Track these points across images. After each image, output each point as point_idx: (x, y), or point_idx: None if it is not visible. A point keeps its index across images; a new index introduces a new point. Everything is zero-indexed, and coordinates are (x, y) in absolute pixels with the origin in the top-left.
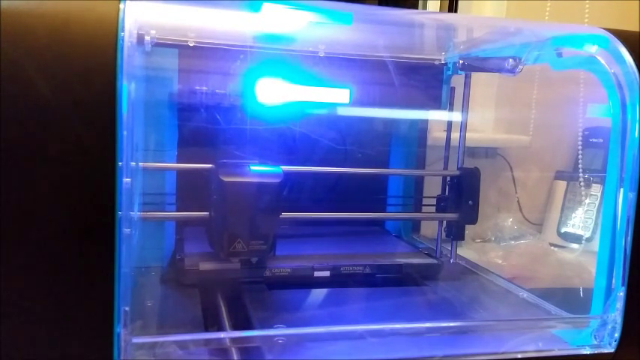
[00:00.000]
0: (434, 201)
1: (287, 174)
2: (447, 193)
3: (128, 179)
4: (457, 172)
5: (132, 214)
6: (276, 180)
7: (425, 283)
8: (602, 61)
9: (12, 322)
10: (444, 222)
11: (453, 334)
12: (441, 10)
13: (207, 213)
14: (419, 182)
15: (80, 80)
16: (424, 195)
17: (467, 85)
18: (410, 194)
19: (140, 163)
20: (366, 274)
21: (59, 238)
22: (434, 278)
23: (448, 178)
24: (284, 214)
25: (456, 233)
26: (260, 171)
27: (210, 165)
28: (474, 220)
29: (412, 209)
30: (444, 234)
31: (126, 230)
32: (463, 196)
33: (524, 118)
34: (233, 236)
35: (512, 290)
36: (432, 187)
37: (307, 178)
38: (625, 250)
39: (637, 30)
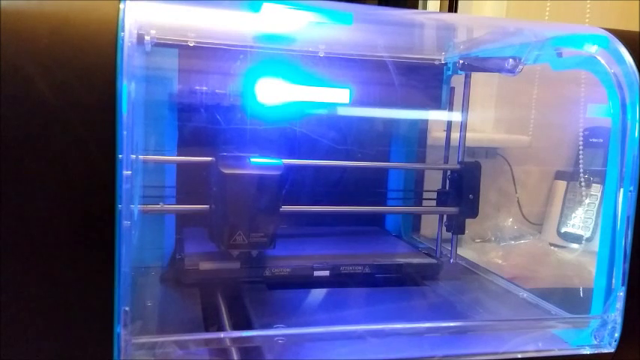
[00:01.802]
0: (434, 199)
1: (288, 170)
2: (447, 187)
3: (128, 171)
4: (458, 166)
5: (132, 207)
6: (277, 172)
7: (425, 283)
8: (602, 61)
9: (11, 322)
10: (445, 217)
11: (453, 334)
12: (441, 10)
13: (208, 206)
14: (419, 180)
15: (80, 80)
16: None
17: (467, 85)
18: (410, 196)
19: (140, 156)
20: (366, 274)
21: (59, 237)
22: (434, 278)
23: (449, 173)
24: (284, 208)
25: (456, 227)
26: (260, 163)
27: (211, 158)
28: (474, 213)
29: (412, 207)
30: (444, 229)
31: (126, 223)
32: (464, 189)
33: (524, 118)
34: (233, 228)
35: (512, 290)
36: (433, 186)
37: (309, 176)
38: (625, 250)
39: (637, 30)
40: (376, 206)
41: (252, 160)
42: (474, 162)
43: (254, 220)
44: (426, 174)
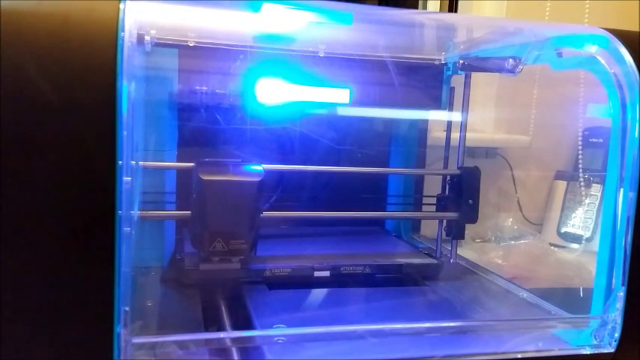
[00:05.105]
0: (434, 201)
1: (283, 173)
2: (447, 192)
3: (128, 178)
4: (457, 172)
5: (132, 212)
6: (257, 179)
7: (425, 283)
8: (602, 61)
9: (11, 322)
10: (444, 221)
11: (453, 334)
12: (441, 10)
13: (189, 212)
14: (419, 182)
15: (80, 80)
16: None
17: (467, 85)
18: (410, 194)
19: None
20: (366, 274)
21: (59, 237)
22: (434, 278)
23: (448, 178)
24: (266, 213)
25: (456, 232)
26: (240, 170)
27: (191, 164)
28: (474, 219)
29: (412, 209)
30: (444, 233)
31: (126, 229)
32: (463, 195)
33: (524, 118)
34: (213, 235)
35: (512, 290)
36: (432, 188)
37: (306, 178)
38: (625, 250)
39: (637, 30)
40: (376, 209)
41: (233, 166)
42: (474, 167)
43: (233, 226)
44: (426, 176)
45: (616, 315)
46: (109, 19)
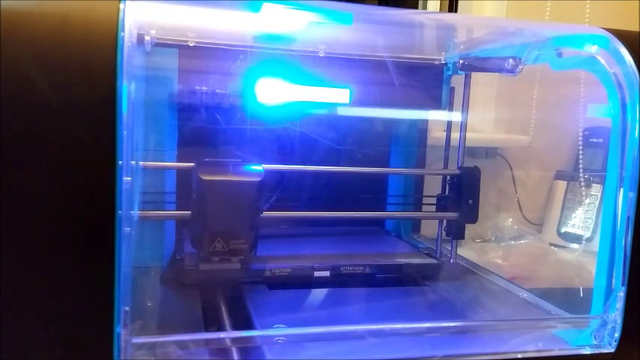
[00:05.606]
0: (434, 201)
1: (283, 173)
2: (447, 192)
3: (128, 178)
4: (457, 172)
5: (132, 212)
6: (257, 179)
7: (425, 283)
8: (602, 61)
9: (11, 322)
10: (444, 221)
11: (453, 334)
12: (441, 10)
13: (189, 212)
14: (419, 182)
15: (80, 80)
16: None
17: (467, 85)
18: (410, 194)
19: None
20: (366, 274)
21: (59, 237)
22: (434, 278)
23: (448, 178)
24: (266, 213)
25: (456, 232)
26: (240, 170)
27: (191, 164)
28: (474, 219)
29: (412, 209)
30: (444, 233)
31: (126, 229)
32: (463, 195)
33: (524, 118)
34: (213, 235)
35: (512, 290)
36: (432, 188)
37: (306, 178)
38: (625, 250)
39: (637, 30)
40: (376, 208)
41: (233, 166)
42: (474, 167)
43: (233, 226)
44: (426, 176)
45: (616, 315)
46: (109, 19)
